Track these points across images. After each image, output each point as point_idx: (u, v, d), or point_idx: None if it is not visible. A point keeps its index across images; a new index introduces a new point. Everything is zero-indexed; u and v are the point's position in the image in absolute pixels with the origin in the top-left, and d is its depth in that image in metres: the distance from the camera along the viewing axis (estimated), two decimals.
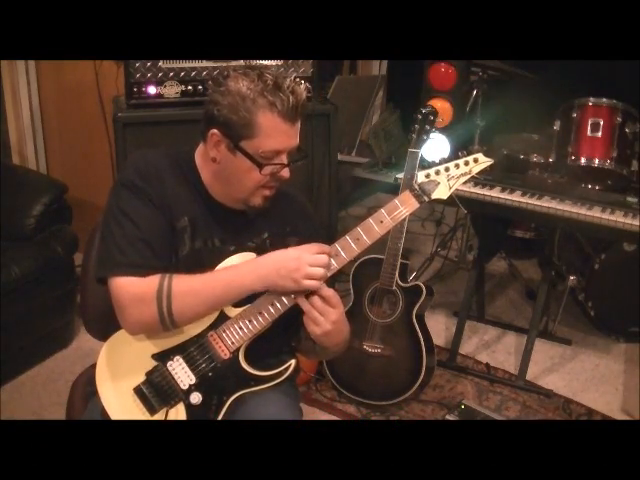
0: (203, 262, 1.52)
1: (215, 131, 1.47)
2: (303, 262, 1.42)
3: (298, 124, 1.49)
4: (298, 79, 1.49)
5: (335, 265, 1.46)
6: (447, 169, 1.47)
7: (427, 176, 1.48)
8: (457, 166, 1.48)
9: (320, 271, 1.42)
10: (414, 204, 1.47)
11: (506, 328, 3.26)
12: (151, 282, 1.44)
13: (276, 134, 1.45)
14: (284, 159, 1.49)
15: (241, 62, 2.22)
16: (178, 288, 1.44)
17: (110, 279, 1.46)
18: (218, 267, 1.50)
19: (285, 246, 1.50)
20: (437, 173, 1.47)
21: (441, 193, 1.47)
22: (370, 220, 1.47)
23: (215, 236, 1.55)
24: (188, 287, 1.45)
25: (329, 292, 1.45)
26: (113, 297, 1.46)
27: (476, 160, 1.48)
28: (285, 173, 1.50)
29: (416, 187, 1.47)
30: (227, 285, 1.46)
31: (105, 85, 3.11)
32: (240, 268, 1.48)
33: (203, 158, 1.55)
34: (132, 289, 1.44)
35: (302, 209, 1.69)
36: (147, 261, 1.46)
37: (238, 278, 1.45)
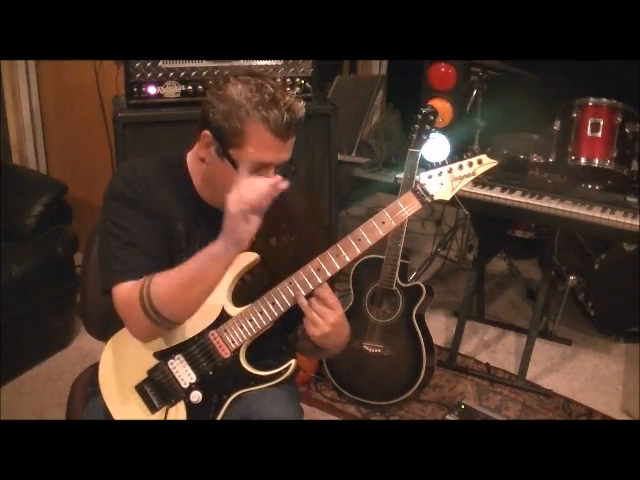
0: None
1: (207, 133, 1.45)
2: (240, 192, 1.34)
3: (290, 141, 1.45)
4: (297, 95, 1.45)
5: (337, 267, 1.45)
6: (450, 170, 1.46)
7: (430, 177, 1.46)
8: (461, 167, 1.46)
9: (256, 183, 1.34)
10: (416, 205, 1.45)
11: (506, 328, 3.26)
12: (137, 284, 1.42)
13: (264, 148, 1.42)
14: (270, 173, 1.44)
15: (241, 62, 2.22)
16: (155, 279, 1.41)
17: (113, 290, 1.45)
18: None
19: (280, 245, 1.48)
20: (440, 174, 1.46)
21: (444, 194, 1.46)
22: (372, 221, 1.45)
23: (210, 240, 1.54)
24: (163, 275, 1.41)
25: (326, 294, 1.45)
26: (115, 308, 1.46)
27: (480, 161, 1.47)
28: None
29: (419, 188, 1.45)
30: (197, 260, 1.40)
31: (105, 85, 3.11)
32: (208, 246, 1.43)
33: (195, 159, 1.53)
34: (124, 294, 1.43)
35: (297, 207, 1.68)
36: (146, 264, 1.45)
37: (206, 250, 1.40)
